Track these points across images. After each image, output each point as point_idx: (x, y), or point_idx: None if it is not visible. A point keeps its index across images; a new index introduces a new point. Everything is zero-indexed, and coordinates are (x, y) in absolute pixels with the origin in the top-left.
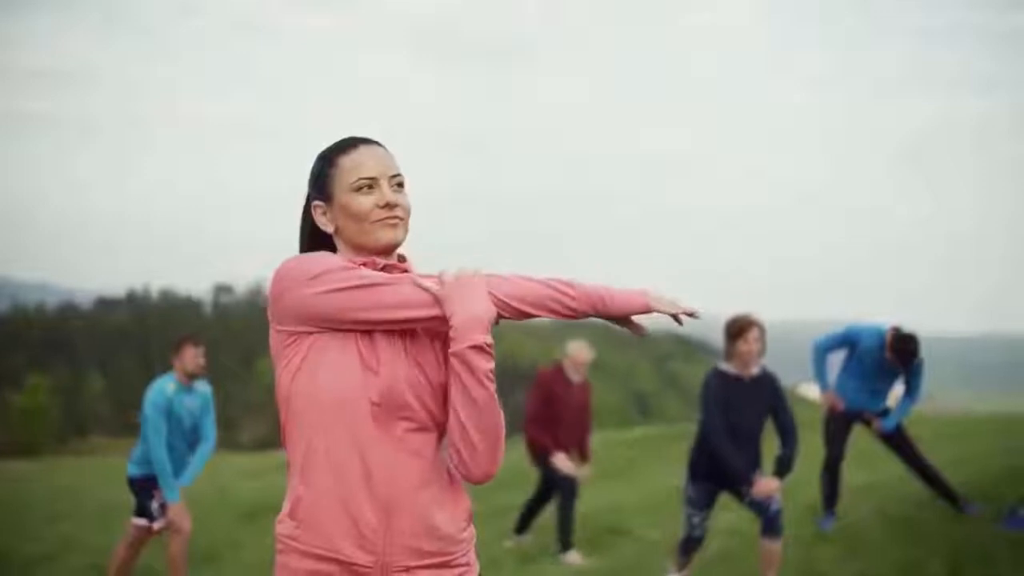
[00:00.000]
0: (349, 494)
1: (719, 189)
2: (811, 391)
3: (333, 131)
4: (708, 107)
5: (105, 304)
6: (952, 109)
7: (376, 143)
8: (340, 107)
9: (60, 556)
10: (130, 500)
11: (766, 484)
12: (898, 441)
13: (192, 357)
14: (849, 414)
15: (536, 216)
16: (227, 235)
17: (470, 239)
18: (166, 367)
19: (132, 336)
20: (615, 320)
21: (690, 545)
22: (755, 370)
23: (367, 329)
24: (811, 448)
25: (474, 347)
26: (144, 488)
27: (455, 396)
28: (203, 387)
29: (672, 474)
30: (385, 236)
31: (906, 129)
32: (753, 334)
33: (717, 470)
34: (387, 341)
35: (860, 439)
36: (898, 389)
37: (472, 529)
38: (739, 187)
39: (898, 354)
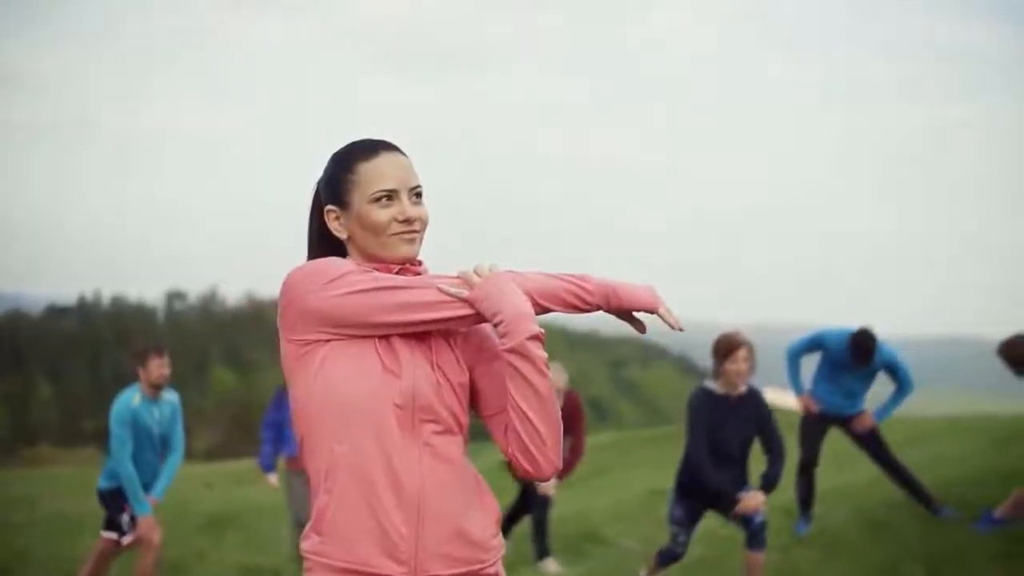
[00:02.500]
0: (377, 502)
1: (689, 194)
2: (777, 397)
3: (291, 139)
4: (677, 110)
5: (55, 311)
6: (937, 117)
7: (396, 149)
8: (298, 114)
9: (16, 570)
10: (96, 512)
11: (751, 499)
12: (873, 444)
13: (157, 367)
14: (825, 417)
15: (500, 219)
16: (180, 242)
17: (439, 243)
18: (118, 375)
19: (83, 344)
20: (619, 315)
21: (669, 558)
22: (742, 388)
23: (389, 333)
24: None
25: (532, 337)
26: (114, 501)
27: (517, 392)
28: (171, 396)
29: (640, 480)
30: (402, 250)
31: (882, 136)
32: (742, 354)
33: (702, 489)
34: (405, 344)
35: (835, 442)
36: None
37: (501, 537)
38: (708, 192)
39: (856, 353)
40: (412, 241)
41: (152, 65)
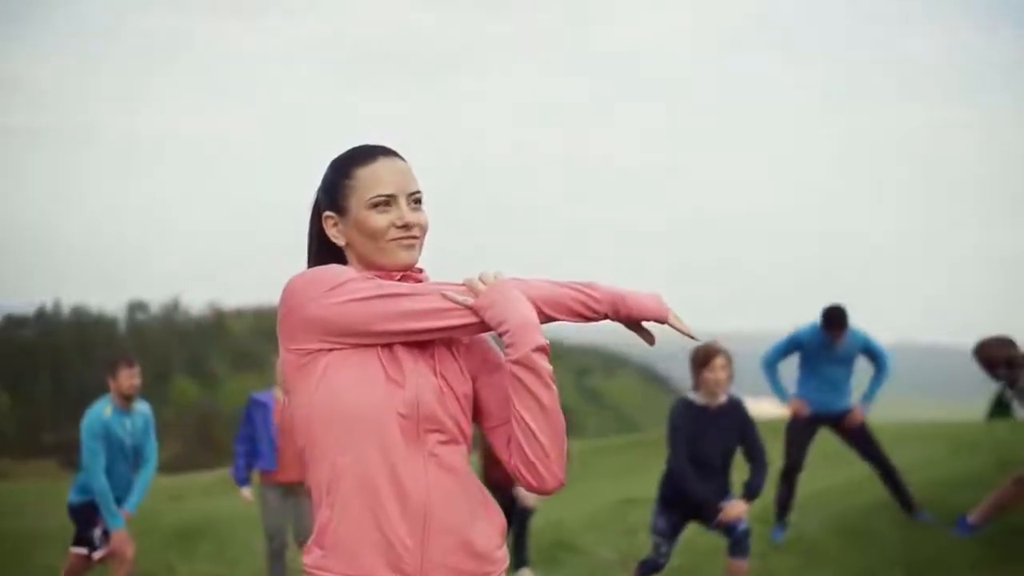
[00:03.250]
0: (381, 513)
1: (689, 194)
2: (755, 406)
3: (261, 147)
4: (676, 111)
5: (13, 321)
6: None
7: (395, 154)
8: (268, 123)
9: None
10: (59, 527)
11: (733, 508)
12: (864, 440)
13: (127, 378)
14: (815, 418)
15: (498, 222)
16: (143, 252)
17: (437, 247)
18: (79, 387)
19: (42, 355)
20: (627, 324)
21: (651, 568)
22: (723, 398)
23: (393, 341)
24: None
25: (538, 349)
26: (85, 516)
27: (520, 404)
28: (143, 408)
29: (610, 489)
30: (401, 257)
31: (882, 136)
32: (719, 362)
33: (685, 501)
34: (409, 353)
35: (820, 442)
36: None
37: (506, 548)
38: (708, 193)
39: (828, 326)
40: (411, 247)
41: (108, 74)
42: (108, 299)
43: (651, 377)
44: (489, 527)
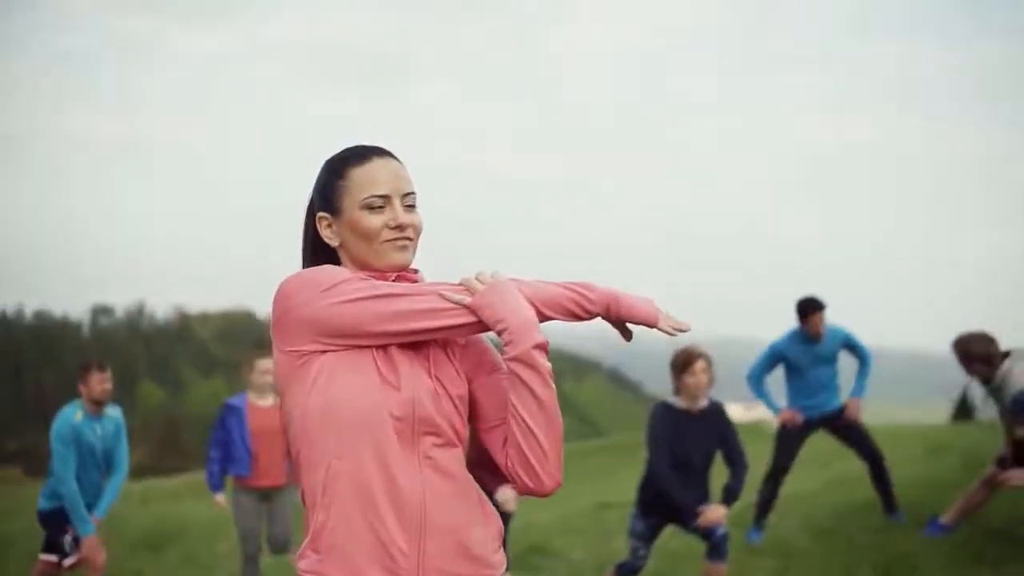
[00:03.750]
0: (376, 518)
1: (600, 215)
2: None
3: (219, 152)
4: (587, 132)
5: None
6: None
7: (390, 155)
8: (226, 128)
9: None
10: (24, 533)
11: (712, 512)
12: (859, 436)
13: (98, 383)
14: (808, 422)
15: (445, 236)
16: (107, 256)
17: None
18: (42, 392)
19: (4, 360)
20: (613, 323)
21: (629, 572)
22: (703, 402)
23: (388, 342)
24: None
25: (538, 346)
26: (55, 522)
27: (519, 402)
28: (114, 412)
29: (583, 492)
30: (394, 258)
31: (814, 151)
32: (699, 366)
33: (664, 505)
34: (404, 355)
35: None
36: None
37: (503, 552)
38: (641, 209)
39: (806, 318)
40: (404, 248)
41: (70, 76)
42: (72, 303)
43: (620, 382)
44: (486, 530)
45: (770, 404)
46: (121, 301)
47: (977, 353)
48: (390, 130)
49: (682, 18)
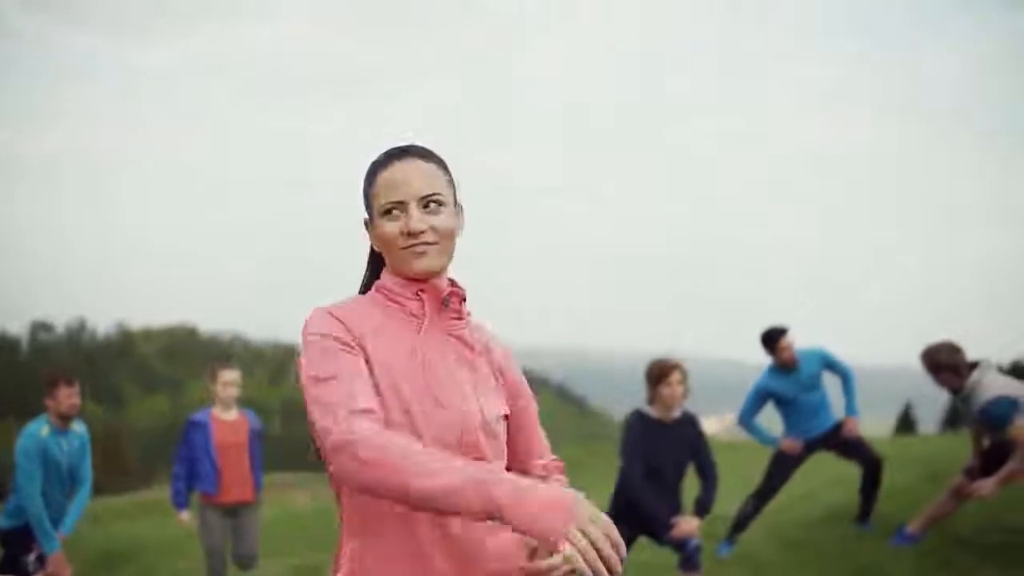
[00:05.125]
0: (417, 543)
1: (575, 226)
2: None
3: (165, 168)
4: (560, 137)
5: None
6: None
7: (415, 154)
8: (173, 145)
9: None
10: None
11: (686, 524)
12: (861, 446)
13: (66, 397)
14: (809, 445)
15: (365, 248)
16: (45, 270)
17: (313, 271)
18: None
19: None
20: None
21: None
22: (677, 413)
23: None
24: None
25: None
26: (19, 541)
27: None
28: (79, 428)
29: None
30: (413, 266)
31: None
32: (675, 377)
33: (636, 515)
34: (448, 375)
35: (746, 464)
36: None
37: None
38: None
39: (771, 348)
40: (422, 255)
41: (34, 93)
42: (10, 320)
43: (566, 397)
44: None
45: (767, 438)
46: (62, 317)
47: (944, 363)
48: (346, 144)
49: (662, 22)
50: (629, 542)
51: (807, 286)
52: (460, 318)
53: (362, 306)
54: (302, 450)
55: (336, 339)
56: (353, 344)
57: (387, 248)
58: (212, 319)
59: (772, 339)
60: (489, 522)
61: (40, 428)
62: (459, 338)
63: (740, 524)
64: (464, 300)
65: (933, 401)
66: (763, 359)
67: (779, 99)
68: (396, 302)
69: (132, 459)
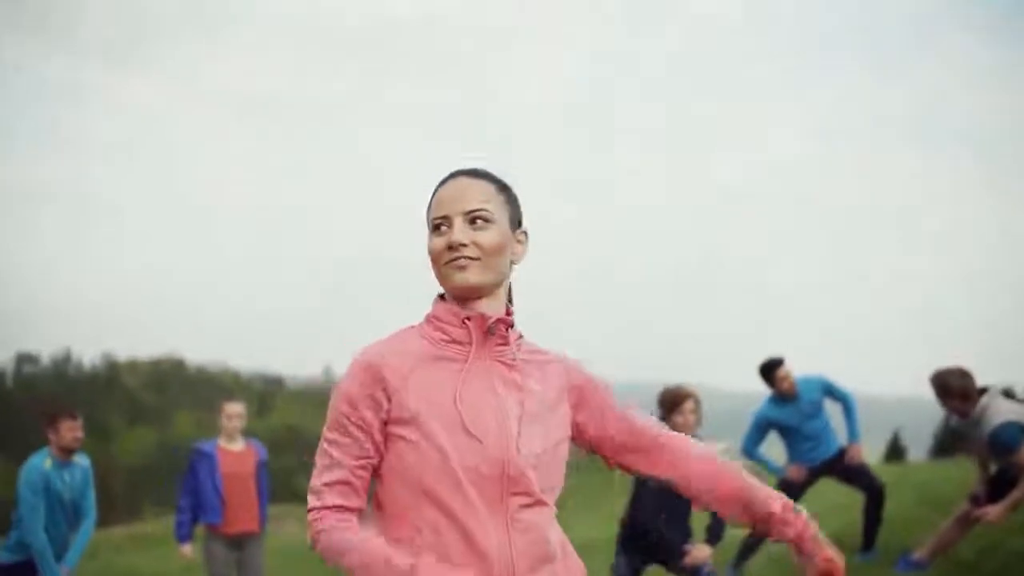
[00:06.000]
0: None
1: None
2: None
3: (150, 198)
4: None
5: None
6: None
7: (468, 174)
8: (158, 175)
9: None
10: None
11: (698, 552)
12: (864, 474)
13: (69, 430)
14: (814, 471)
15: (351, 280)
16: (30, 301)
17: (299, 302)
18: None
19: None
20: None
21: None
22: None
23: None
24: None
25: None
26: (20, 575)
27: None
28: (82, 460)
29: None
30: (454, 279)
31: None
32: (688, 406)
33: (647, 544)
34: (489, 407)
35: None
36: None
37: None
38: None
39: (770, 379)
40: (463, 268)
41: (16, 123)
42: None
43: None
44: None
45: (772, 467)
46: (47, 349)
47: (955, 388)
48: (328, 177)
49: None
50: (639, 570)
51: (793, 315)
52: (506, 344)
53: (407, 342)
54: (289, 480)
55: (355, 410)
56: (372, 419)
57: (434, 264)
58: (199, 350)
59: (770, 370)
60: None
61: (43, 461)
62: (507, 365)
63: (746, 551)
64: (511, 326)
65: (921, 428)
66: (756, 387)
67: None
68: (442, 331)
69: (118, 491)
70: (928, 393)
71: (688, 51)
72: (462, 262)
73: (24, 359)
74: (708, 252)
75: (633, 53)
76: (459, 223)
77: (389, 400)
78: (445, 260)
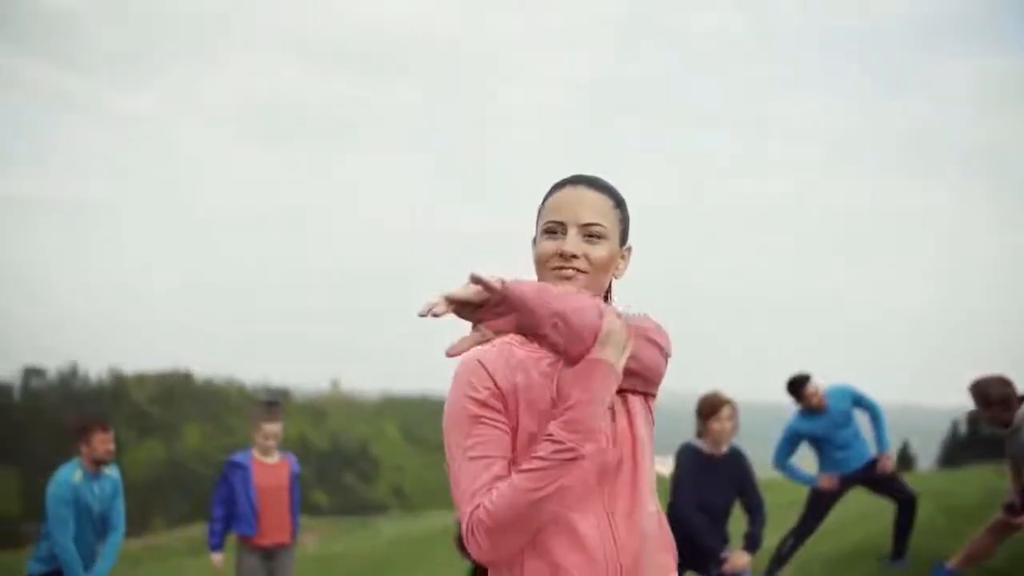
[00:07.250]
0: (590, 567)
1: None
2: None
3: (148, 209)
4: (524, 185)
5: None
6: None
7: (588, 183)
8: (159, 185)
9: None
10: None
11: (738, 558)
12: (895, 482)
13: (101, 443)
14: (845, 480)
15: (357, 292)
16: (37, 315)
17: (305, 315)
18: None
19: None
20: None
21: None
22: (725, 448)
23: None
24: None
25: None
26: None
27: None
28: (112, 472)
29: None
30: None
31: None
32: (725, 412)
33: (683, 549)
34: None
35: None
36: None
37: None
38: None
39: (798, 395)
40: (569, 278)
41: (17, 134)
42: (1, 365)
43: None
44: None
45: (804, 478)
46: (54, 363)
47: (995, 397)
48: (326, 191)
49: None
50: None
51: (807, 327)
52: None
53: (506, 352)
54: (304, 492)
55: (485, 408)
56: (500, 408)
57: (539, 267)
58: (206, 363)
59: (799, 386)
60: None
61: (73, 473)
62: None
63: (779, 560)
64: None
65: (928, 438)
66: (755, 396)
67: (808, 157)
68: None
69: (129, 505)
70: (930, 402)
71: (688, 66)
72: (569, 272)
73: (31, 373)
74: (712, 261)
75: (630, 70)
76: (573, 233)
77: (505, 407)
78: (553, 266)
